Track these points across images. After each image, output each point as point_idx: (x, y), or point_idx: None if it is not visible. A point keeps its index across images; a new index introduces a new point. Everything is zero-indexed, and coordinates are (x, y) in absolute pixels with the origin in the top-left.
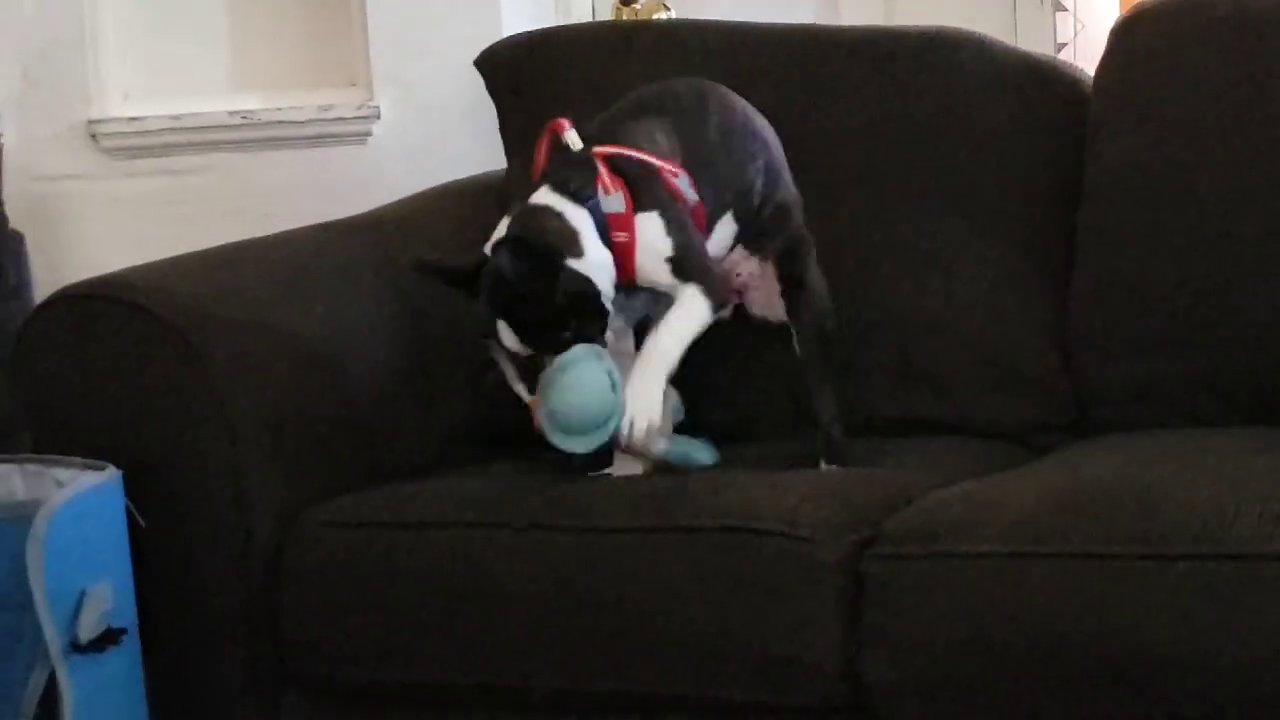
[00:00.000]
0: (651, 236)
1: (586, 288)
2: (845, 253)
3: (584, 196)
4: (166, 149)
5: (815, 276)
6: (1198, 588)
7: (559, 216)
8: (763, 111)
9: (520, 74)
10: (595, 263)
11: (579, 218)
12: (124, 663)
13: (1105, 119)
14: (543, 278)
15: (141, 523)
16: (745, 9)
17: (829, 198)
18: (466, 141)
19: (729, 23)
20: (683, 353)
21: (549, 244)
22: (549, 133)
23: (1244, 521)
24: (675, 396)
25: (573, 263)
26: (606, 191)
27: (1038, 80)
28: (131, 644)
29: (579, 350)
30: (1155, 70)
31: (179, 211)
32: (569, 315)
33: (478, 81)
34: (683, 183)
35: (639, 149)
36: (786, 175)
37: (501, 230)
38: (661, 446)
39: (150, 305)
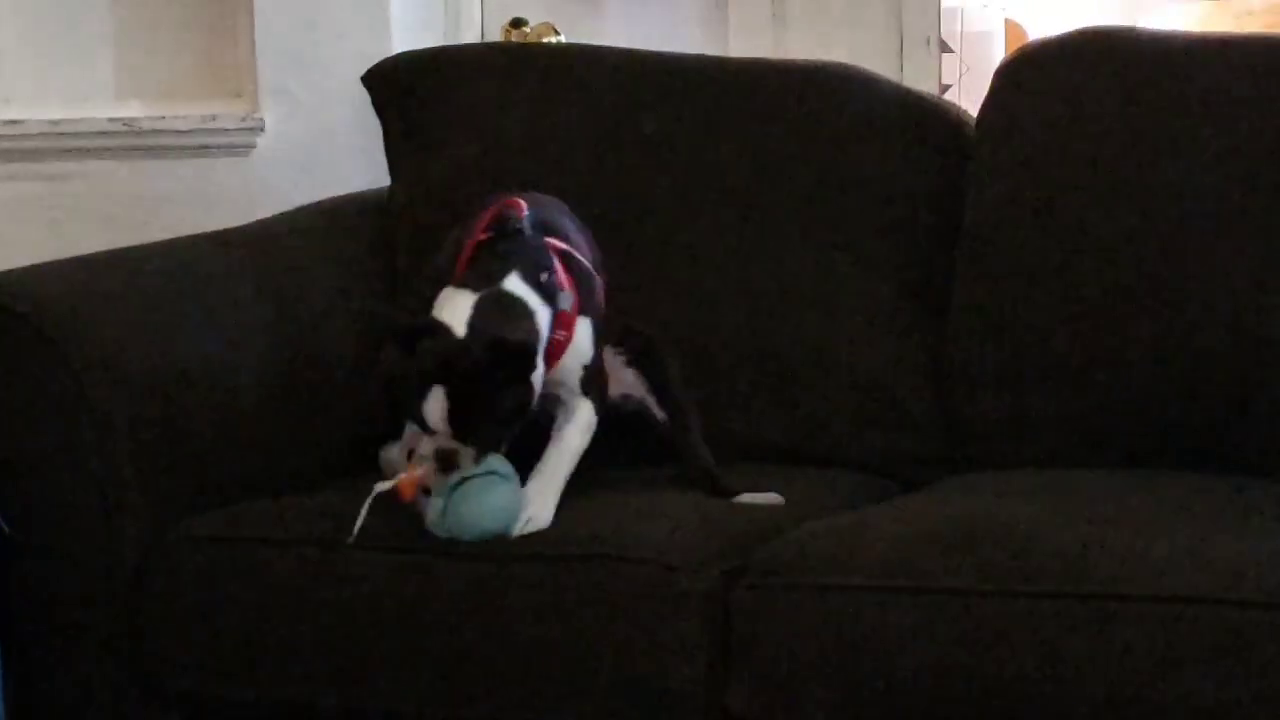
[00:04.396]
0: (584, 343)
1: (530, 397)
2: (727, 284)
3: (551, 294)
4: (45, 154)
5: (660, 340)
6: (1062, 625)
7: (531, 317)
8: (650, 141)
9: (408, 92)
10: (539, 372)
11: (544, 321)
12: None
13: (987, 158)
14: (509, 383)
15: (5, 529)
16: (635, 36)
17: (713, 228)
18: (350, 157)
19: (618, 49)
20: (576, 463)
21: (527, 354)
22: (499, 207)
23: (1107, 562)
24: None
25: (535, 373)
26: (562, 288)
27: (922, 117)
28: None
29: (499, 469)
30: (1037, 111)
31: (56, 217)
32: (513, 419)
33: (364, 97)
34: (600, 293)
35: (579, 250)
36: None
37: (462, 306)
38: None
39: (19, 308)
